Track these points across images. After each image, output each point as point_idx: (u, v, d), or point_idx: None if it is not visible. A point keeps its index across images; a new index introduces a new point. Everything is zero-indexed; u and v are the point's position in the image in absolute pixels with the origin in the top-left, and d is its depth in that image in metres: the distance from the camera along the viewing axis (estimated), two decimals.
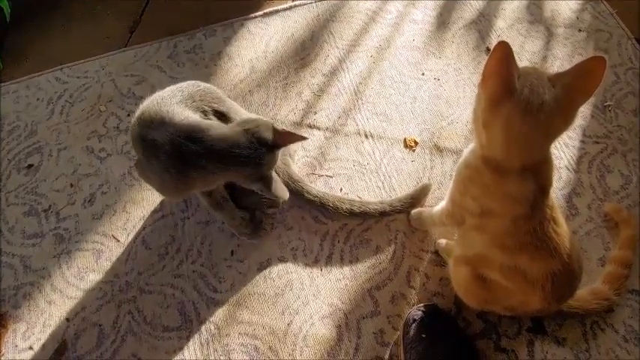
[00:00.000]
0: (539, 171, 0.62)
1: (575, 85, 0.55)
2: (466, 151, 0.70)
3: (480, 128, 0.61)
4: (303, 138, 0.75)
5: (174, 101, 0.78)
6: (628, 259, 0.84)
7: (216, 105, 0.84)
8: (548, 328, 0.83)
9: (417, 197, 0.95)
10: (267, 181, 0.75)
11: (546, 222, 0.64)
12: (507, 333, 0.83)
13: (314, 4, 1.30)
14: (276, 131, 0.74)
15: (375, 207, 0.93)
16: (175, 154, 0.72)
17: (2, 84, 1.23)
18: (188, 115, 0.77)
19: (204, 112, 0.82)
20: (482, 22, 1.23)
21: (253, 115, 0.84)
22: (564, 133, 0.59)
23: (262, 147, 0.72)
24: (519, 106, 0.55)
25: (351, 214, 0.94)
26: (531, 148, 0.60)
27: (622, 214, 0.89)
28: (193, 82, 0.87)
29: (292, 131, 0.73)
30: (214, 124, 0.77)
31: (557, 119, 0.56)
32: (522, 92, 0.55)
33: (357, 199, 0.98)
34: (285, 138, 0.75)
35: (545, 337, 0.83)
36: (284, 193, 0.77)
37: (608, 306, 0.82)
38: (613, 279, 0.83)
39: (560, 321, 0.83)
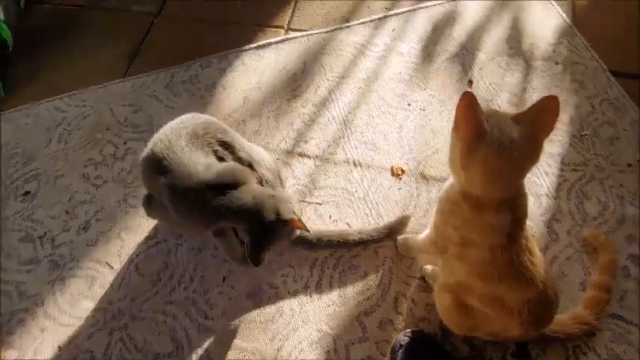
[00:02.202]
0: (514, 203, 0.66)
1: (536, 122, 0.60)
2: (446, 185, 0.74)
3: (459, 170, 0.65)
4: (307, 230, 0.88)
5: (184, 143, 0.84)
6: (608, 284, 0.87)
7: (220, 135, 0.89)
8: (532, 352, 0.85)
9: (395, 228, 0.98)
10: (256, 243, 0.83)
11: (522, 252, 0.68)
12: (492, 358, 0.85)
13: (305, 38, 1.36)
14: (294, 213, 0.85)
15: (354, 237, 0.97)
16: (206, 205, 0.80)
17: (3, 112, 1.27)
18: (209, 163, 0.84)
19: (210, 145, 0.87)
20: (465, 55, 1.29)
21: (283, 190, 0.95)
22: (534, 165, 0.63)
23: (276, 217, 0.82)
24: (493, 145, 0.59)
25: (330, 246, 0.97)
26: (508, 183, 0.65)
27: (600, 240, 0.93)
28: (192, 114, 0.91)
29: (302, 220, 0.87)
30: (246, 179, 0.84)
31: (527, 154, 0.61)
32: (493, 133, 0.59)
33: (339, 228, 1.01)
34: (296, 222, 0.85)
35: None
36: (254, 262, 0.84)
37: (588, 330, 0.84)
38: (593, 304, 0.85)
39: (543, 345, 0.85)
